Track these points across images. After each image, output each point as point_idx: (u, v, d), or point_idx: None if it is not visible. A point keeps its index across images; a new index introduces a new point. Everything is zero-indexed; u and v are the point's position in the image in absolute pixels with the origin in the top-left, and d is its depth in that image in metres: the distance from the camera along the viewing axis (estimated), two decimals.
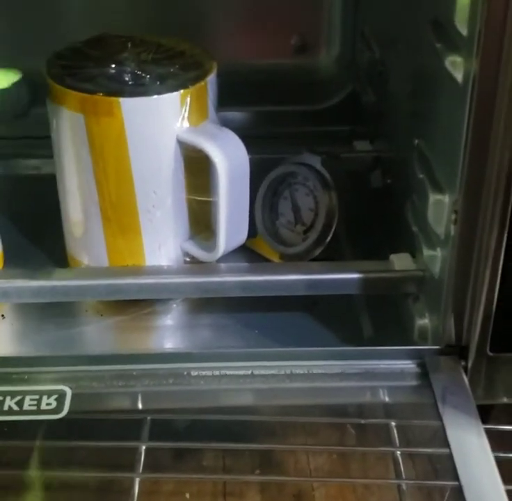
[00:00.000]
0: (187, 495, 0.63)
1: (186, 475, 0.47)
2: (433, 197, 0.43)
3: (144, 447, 0.43)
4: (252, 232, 0.56)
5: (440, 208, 0.43)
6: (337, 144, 0.64)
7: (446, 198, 0.42)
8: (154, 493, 0.61)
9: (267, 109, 0.69)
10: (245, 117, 0.69)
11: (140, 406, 0.44)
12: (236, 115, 0.67)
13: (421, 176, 0.46)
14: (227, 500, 0.63)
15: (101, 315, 0.51)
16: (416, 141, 0.48)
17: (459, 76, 0.40)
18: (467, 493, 0.37)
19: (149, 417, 0.44)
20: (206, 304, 0.52)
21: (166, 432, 0.45)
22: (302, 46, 0.70)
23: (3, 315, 0.51)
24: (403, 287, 0.48)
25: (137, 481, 0.43)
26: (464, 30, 0.39)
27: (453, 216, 0.41)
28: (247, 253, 0.56)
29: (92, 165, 0.48)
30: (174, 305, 0.52)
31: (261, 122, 0.69)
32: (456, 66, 0.40)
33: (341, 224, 0.54)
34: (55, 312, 0.51)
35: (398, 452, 0.43)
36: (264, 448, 0.45)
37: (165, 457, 0.59)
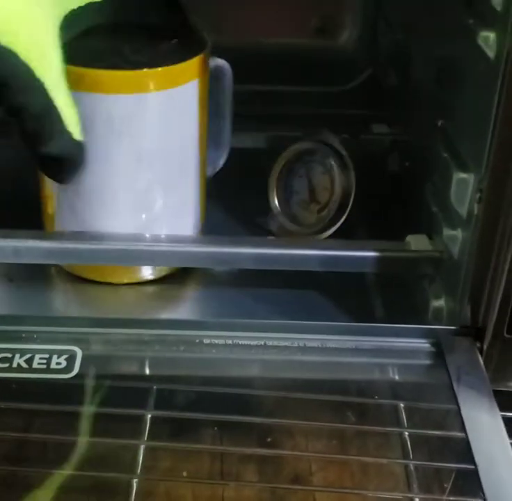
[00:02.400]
0: (184, 473, 0.63)
1: (192, 445, 0.46)
2: (457, 176, 0.43)
3: (149, 416, 0.43)
4: (265, 210, 0.56)
5: (464, 187, 0.42)
6: (354, 127, 0.63)
7: (471, 177, 0.42)
8: (151, 469, 0.61)
9: (284, 89, 0.68)
10: (262, 96, 0.68)
11: (149, 371, 0.43)
12: (252, 92, 0.67)
13: (445, 155, 0.45)
14: (224, 480, 0.62)
15: (110, 283, 0.50)
16: (440, 122, 0.48)
17: (491, 52, 0.39)
18: (484, 477, 0.36)
19: (155, 387, 0.44)
20: (213, 277, 0.51)
21: (171, 404, 0.45)
22: (322, 28, 0.69)
23: (11, 279, 0.50)
24: (420, 267, 0.47)
25: (142, 448, 0.43)
26: (499, 6, 0.39)
27: (477, 195, 0.41)
28: (258, 231, 0.56)
29: None
30: (181, 277, 0.51)
31: (278, 102, 0.68)
32: (489, 42, 0.40)
33: (355, 206, 0.54)
34: (62, 277, 0.50)
35: (407, 433, 0.43)
36: (263, 422, 0.44)
37: (164, 435, 0.58)
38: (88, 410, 0.42)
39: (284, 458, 0.62)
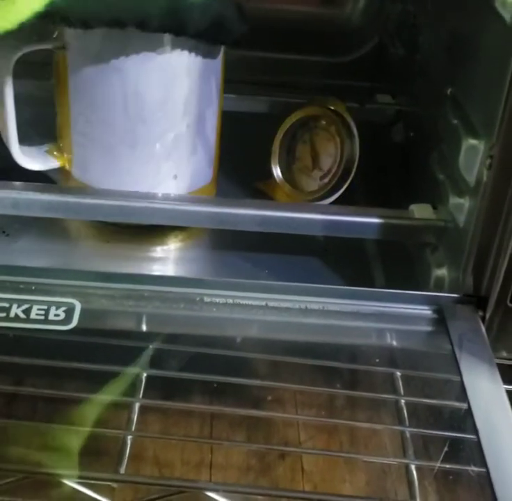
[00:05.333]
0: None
1: (185, 404, 0.45)
2: (467, 142, 0.42)
3: (144, 375, 0.42)
4: (267, 174, 0.55)
5: (473, 154, 0.42)
6: (358, 97, 0.62)
7: (481, 143, 0.41)
8: (142, 431, 0.60)
9: (289, 57, 0.68)
10: (267, 63, 0.67)
11: (148, 328, 0.42)
12: (258, 59, 0.66)
13: (454, 122, 0.45)
14: (213, 445, 0.62)
15: (108, 242, 0.50)
16: (449, 90, 0.47)
17: (508, 14, 0.39)
18: (486, 446, 0.36)
19: (151, 346, 0.43)
20: (214, 241, 0.51)
21: (166, 363, 0.44)
22: None
23: (4, 231, 0.49)
24: (423, 235, 0.47)
25: (137, 406, 0.42)
26: None
27: (488, 161, 0.40)
28: (259, 196, 0.55)
29: None
30: (182, 239, 0.51)
31: (283, 70, 0.67)
32: (506, 5, 0.39)
33: (358, 174, 0.53)
34: (60, 234, 0.50)
35: (403, 401, 0.43)
36: (258, 384, 0.43)
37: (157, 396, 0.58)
38: (83, 366, 0.41)
39: (274, 426, 0.62)
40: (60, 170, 0.49)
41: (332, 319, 0.42)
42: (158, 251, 0.49)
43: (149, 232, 0.50)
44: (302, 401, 0.66)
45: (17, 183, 0.46)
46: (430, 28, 0.55)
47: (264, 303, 0.43)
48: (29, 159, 0.48)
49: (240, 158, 0.57)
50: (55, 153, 0.49)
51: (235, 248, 0.50)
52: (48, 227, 0.49)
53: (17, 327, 0.39)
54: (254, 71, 0.63)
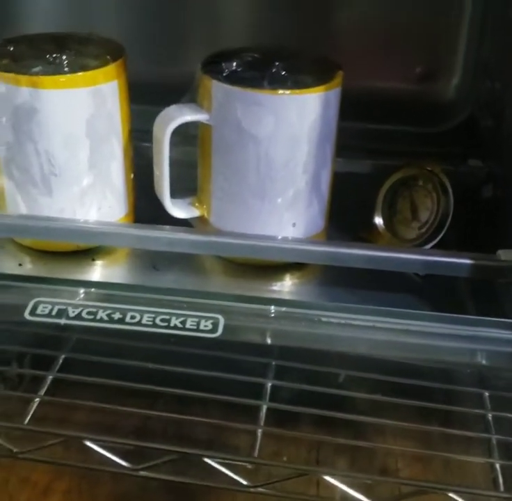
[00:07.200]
0: (284, 458, 0.70)
1: (304, 408, 0.52)
2: None
3: (270, 384, 0.51)
4: (370, 226, 0.64)
5: None
6: (452, 161, 0.71)
7: None
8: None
9: (390, 128, 0.77)
10: (370, 132, 0.77)
11: (273, 341, 0.51)
12: (363, 129, 0.76)
13: None
14: (319, 465, 0.69)
15: (234, 277, 0.59)
16: None
17: None
18: None
19: (274, 362, 0.52)
20: (325, 279, 0.59)
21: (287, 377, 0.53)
22: (426, 75, 0.78)
23: (155, 267, 0.60)
24: (509, 275, 0.54)
25: (264, 408, 0.51)
26: None
27: None
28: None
29: None
30: (297, 277, 0.60)
31: (385, 138, 0.77)
32: None
33: (451, 226, 0.61)
34: (197, 269, 0.60)
35: (490, 415, 0.49)
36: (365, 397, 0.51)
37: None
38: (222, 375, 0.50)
39: (373, 449, 0.68)
40: (200, 218, 0.60)
41: (430, 339, 0.51)
42: (277, 285, 0.59)
43: (269, 270, 0.59)
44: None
45: (168, 226, 0.57)
46: None
47: (371, 324, 0.51)
48: (177, 210, 0.59)
49: (347, 212, 0.66)
50: (196, 204, 0.60)
51: (343, 285, 0.58)
52: (188, 264, 0.60)
53: (176, 334, 0.49)
54: (360, 139, 0.73)
